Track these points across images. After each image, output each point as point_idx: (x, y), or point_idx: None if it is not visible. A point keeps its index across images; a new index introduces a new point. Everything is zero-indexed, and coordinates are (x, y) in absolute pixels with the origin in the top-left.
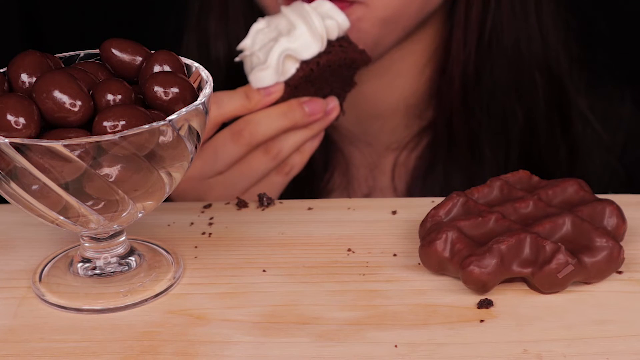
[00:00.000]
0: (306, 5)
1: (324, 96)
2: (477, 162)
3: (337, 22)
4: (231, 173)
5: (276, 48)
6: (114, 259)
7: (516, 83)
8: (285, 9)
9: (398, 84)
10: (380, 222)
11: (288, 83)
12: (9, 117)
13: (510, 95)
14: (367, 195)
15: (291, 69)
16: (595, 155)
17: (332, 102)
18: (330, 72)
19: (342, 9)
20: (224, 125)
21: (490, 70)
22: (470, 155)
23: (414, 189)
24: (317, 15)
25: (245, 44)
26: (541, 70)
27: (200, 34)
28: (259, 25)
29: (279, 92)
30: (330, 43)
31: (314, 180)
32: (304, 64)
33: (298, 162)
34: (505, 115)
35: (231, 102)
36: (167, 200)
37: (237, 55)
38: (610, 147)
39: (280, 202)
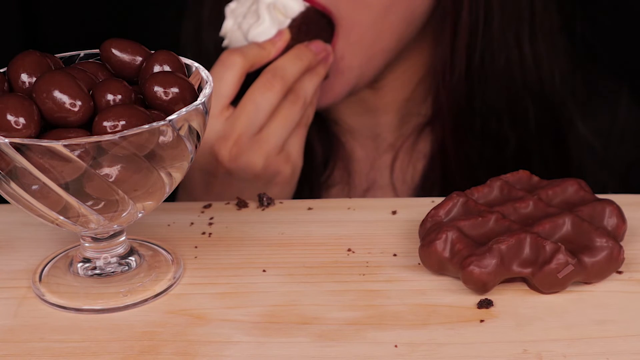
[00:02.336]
0: None
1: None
2: (471, 186)
3: None
4: (270, 127)
5: (262, 4)
6: (114, 259)
7: (509, 108)
8: None
9: (391, 97)
10: (380, 222)
11: (292, 25)
12: (9, 117)
13: (502, 120)
14: (367, 189)
15: (285, 20)
16: (591, 174)
17: (328, 46)
18: (318, 16)
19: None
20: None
21: (482, 95)
22: (464, 179)
23: (414, 188)
24: None
25: (227, 25)
26: (534, 96)
27: (195, 21)
28: (232, 5)
29: (286, 35)
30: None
31: (316, 172)
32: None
33: (310, 112)
34: (499, 140)
35: (252, 51)
36: (170, 199)
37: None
38: (609, 165)
39: (280, 202)
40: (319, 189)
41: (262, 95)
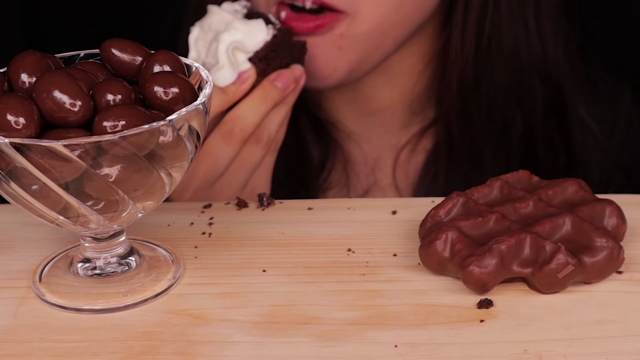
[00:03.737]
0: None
1: (287, 66)
2: (477, 167)
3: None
4: (231, 173)
5: (221, 46)
6: (114, 259)
7: (515, 88)
8: (212, 7)
9: (397, 84)
10: (380, 222)
11: (257, 58)
12: (9, 117)
13: (509, 100)
14: (367, 192)
15: (248, 54)
16: (594, 161)
17: (298, 70)
18: (289, 36)
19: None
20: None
21: (489, 76)
22: (470, 160)
23: (414, 188)
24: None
25: (192, 57)
26: (540, 76)
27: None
28: (194, 33)
29: (251, 77)
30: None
31: (313, 176)
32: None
33: (280, 136)
34: (505, 120)
35: (213, 101)
36: (168, 200)
37: None
38: (612, 155)
39: (280, 202)
40: (316, 193)
41: (220, 150)
